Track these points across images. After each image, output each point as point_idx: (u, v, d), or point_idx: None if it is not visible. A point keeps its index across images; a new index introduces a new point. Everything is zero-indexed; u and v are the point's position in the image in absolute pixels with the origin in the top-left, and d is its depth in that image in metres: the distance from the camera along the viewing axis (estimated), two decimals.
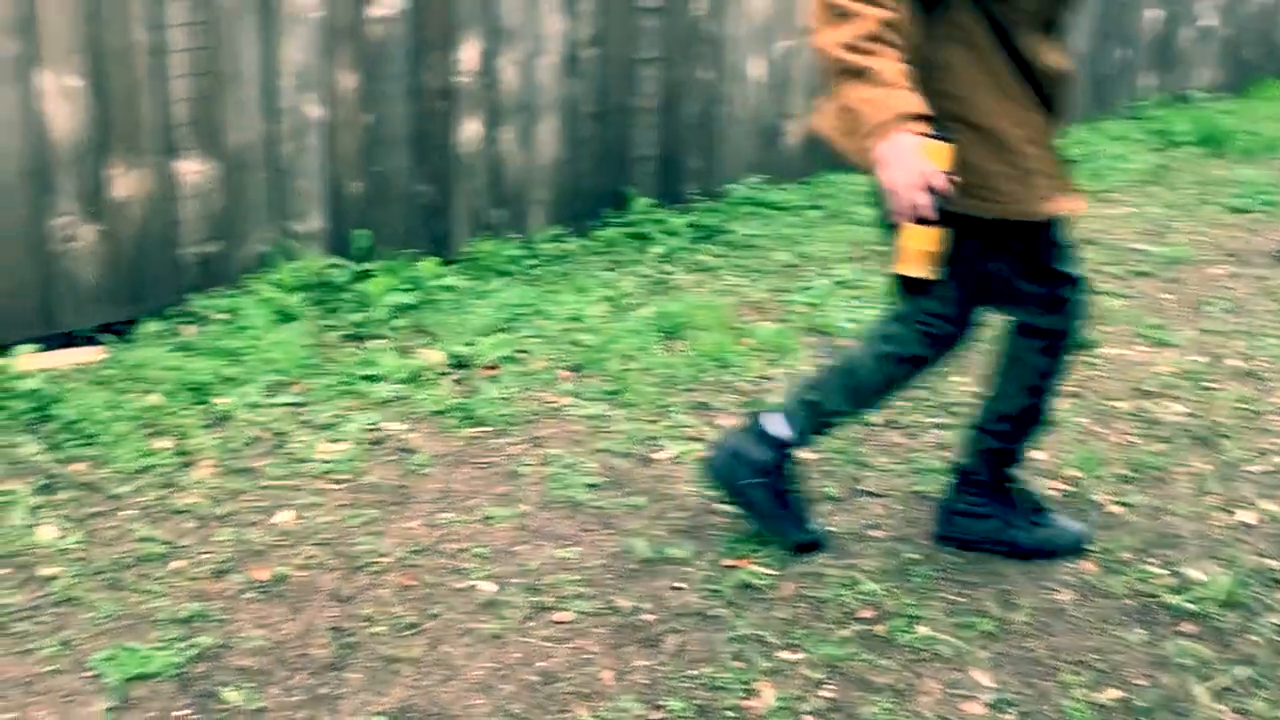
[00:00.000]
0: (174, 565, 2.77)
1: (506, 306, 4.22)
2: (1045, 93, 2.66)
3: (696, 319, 4.25)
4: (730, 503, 3.01)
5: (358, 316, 3.98)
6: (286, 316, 3.90)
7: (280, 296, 3.95)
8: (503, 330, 4.06)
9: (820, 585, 2.87)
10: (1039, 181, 2.65)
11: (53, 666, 2.43)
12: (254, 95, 3.91)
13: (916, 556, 3.00)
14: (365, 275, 4.21)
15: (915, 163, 2.31)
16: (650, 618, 2.72)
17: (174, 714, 2.33)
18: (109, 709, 2.33)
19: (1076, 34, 6.41)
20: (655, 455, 3.42)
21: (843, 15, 2.38)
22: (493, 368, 3.81)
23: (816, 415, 2.97)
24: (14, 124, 3.45)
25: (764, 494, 2.97)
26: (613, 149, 4.99)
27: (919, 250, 2.38)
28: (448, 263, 4.52)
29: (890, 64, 2.36)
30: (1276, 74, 8.38)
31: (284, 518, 2.98)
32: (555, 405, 3.64)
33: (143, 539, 2.85)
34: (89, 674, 2.41)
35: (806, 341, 4.22)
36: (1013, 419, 2.95)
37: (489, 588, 2.78)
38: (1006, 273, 2.73)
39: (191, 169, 3.83)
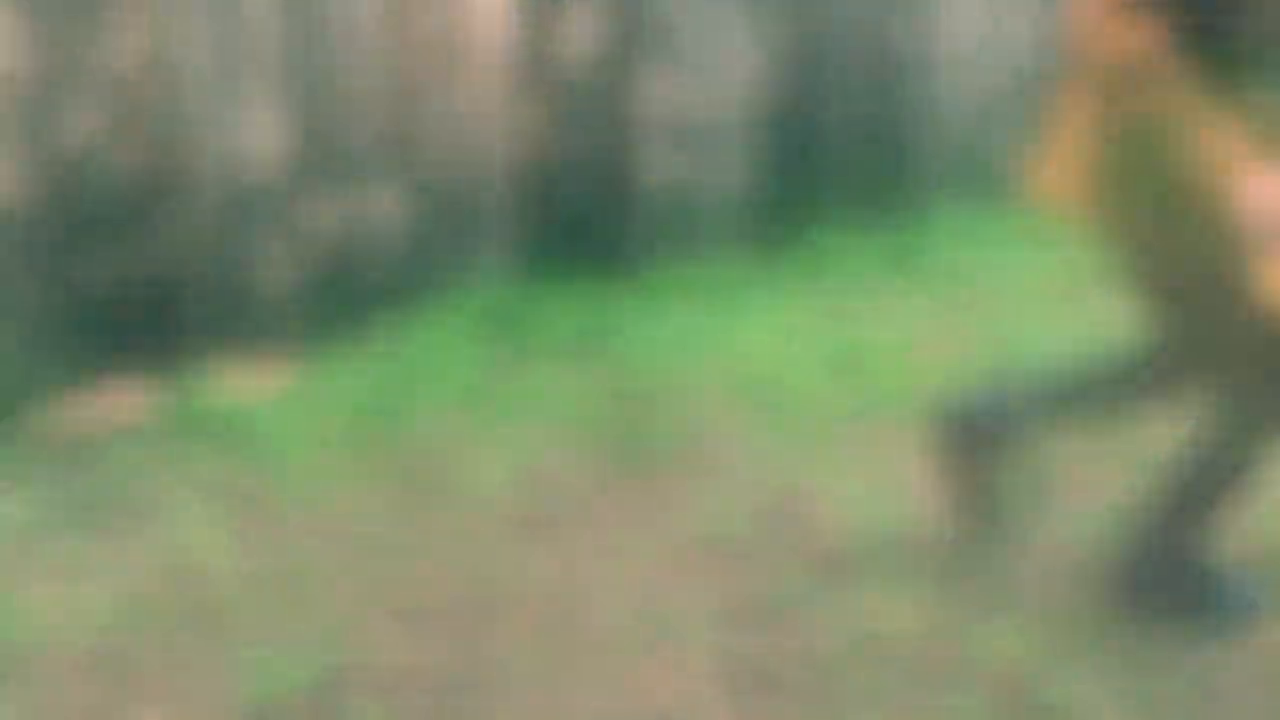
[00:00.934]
0: (333, 582, 2.85)
1: (687, 331, 4.19)
2: None
3: (873, 350, 4.14)
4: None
5: (537, 339, 4.01)
6: (469, 338, 3.97)
7: (463, 320, 4.02)
8: (681, 354, 4.03)
9: (967, 642, 2.73)
10: None
11: (202, 674, 2.54)
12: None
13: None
14: (545, 296, 4.23)
15: None
16: (784, 661, 2.64)
17: None
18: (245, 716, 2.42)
19: None
20: (806, 489, 3.32)
21: None
22: (668, 394, 3.78)
23: None
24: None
25: None
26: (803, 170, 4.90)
27: None
28: (628, 284, 4.50)
29: None
30: None
31: (443, 540, 3.03)
32: (711, 432, 3.58)
33: (309, 555, 2.94)
34: (235, 680, 2.50)
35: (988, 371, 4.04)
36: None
37: (629, 621, 2.74)
38: None
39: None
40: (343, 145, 3.81)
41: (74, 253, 3.46)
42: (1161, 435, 3.57)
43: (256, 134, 3.66)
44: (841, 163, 5.00)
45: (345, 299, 3.95)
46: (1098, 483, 3.36)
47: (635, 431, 3.54)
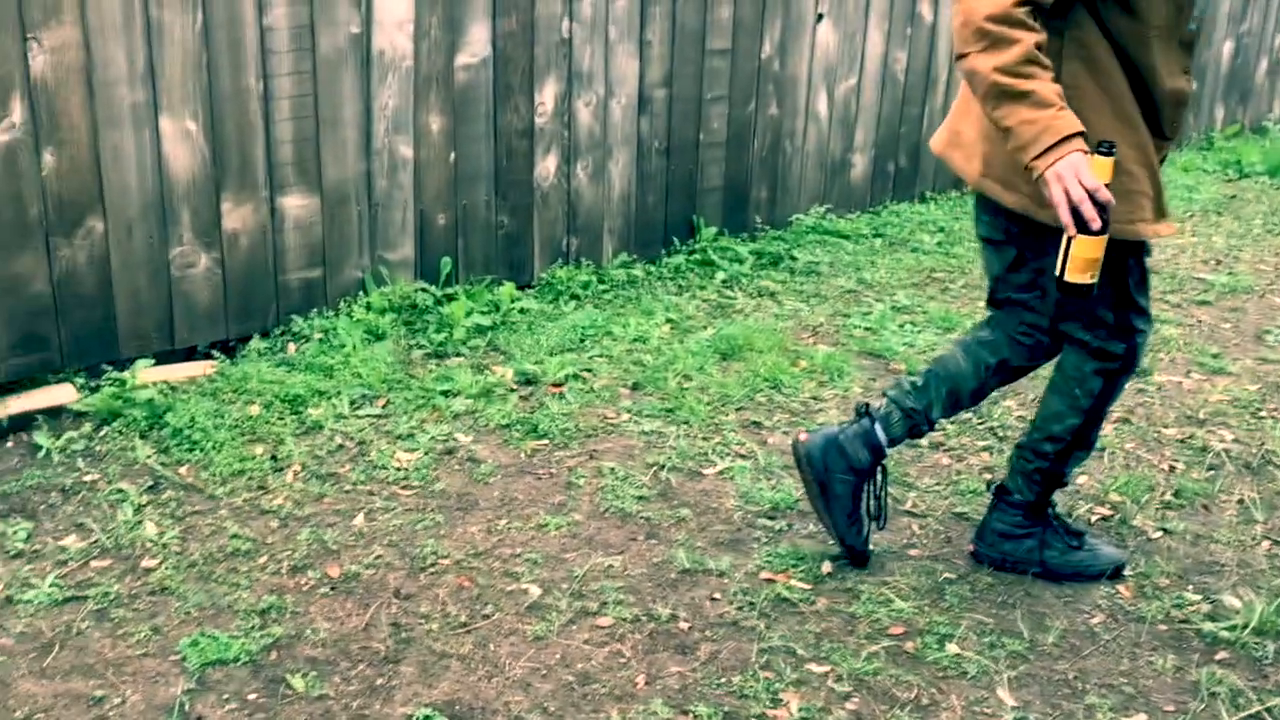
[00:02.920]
0: (258, 561, 2.93)
1: (576, 328, 4.33)
2: (1162, 115, 2.61)
3: (754, 341, 4.32)
4: (810, 487, 2.98)
5: (440, 336, 4.13)
6: (376, 336, 4.07)
7: (371, 318, 4.12)
8: (571, 350, 4.18)
9: (853, 601, 2.92)
10: (1143, 203, 2.63)
11: (143, 650, 2.59)
12: (352, 137, 4.08)
13: (951, 576, 3.04)
14: (449, 299, 4.36)
15: (1085, 178, 2.36)
16: (685, 625, 2.80)
17: (247, 697, 2.48)
18: (187, 690, 2.48)
19: None
20: (705, 470, 3.50)
21: (998, 41, 2.39)
22: (559, 385, 3.93)
23: (914, 420, 2.96)
24: (142, 164, 3.66)
25: (847, 491, 2.96)
26: (681, 182, 5.09)
27: (1086, 259, 2.42)
28: (524, 287, 4.66)
29: (1049, 85, 2.39)
30: None
31: (359, 521, 3.13)
32: (614, 421, 3.74)
33: (233, 536, 3.01)
34: (174, 658, 2.57)
35: (860, 364, 4.27)
36: (1062, 440, 2.92)
37: (537, 591, 2.89)
38: (1094, 292, 2.59)
39: (295, 203, 4.01)
40: (255, 153, 3.87)
41: (5, 253, 3.47)
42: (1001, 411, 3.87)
43: (176, 143, 3.70)
44: (717, 172, 5.20)
45: (262, 298, 4.00)
46: (958, 456, 3.62)
47: (532, 419, 3.68)
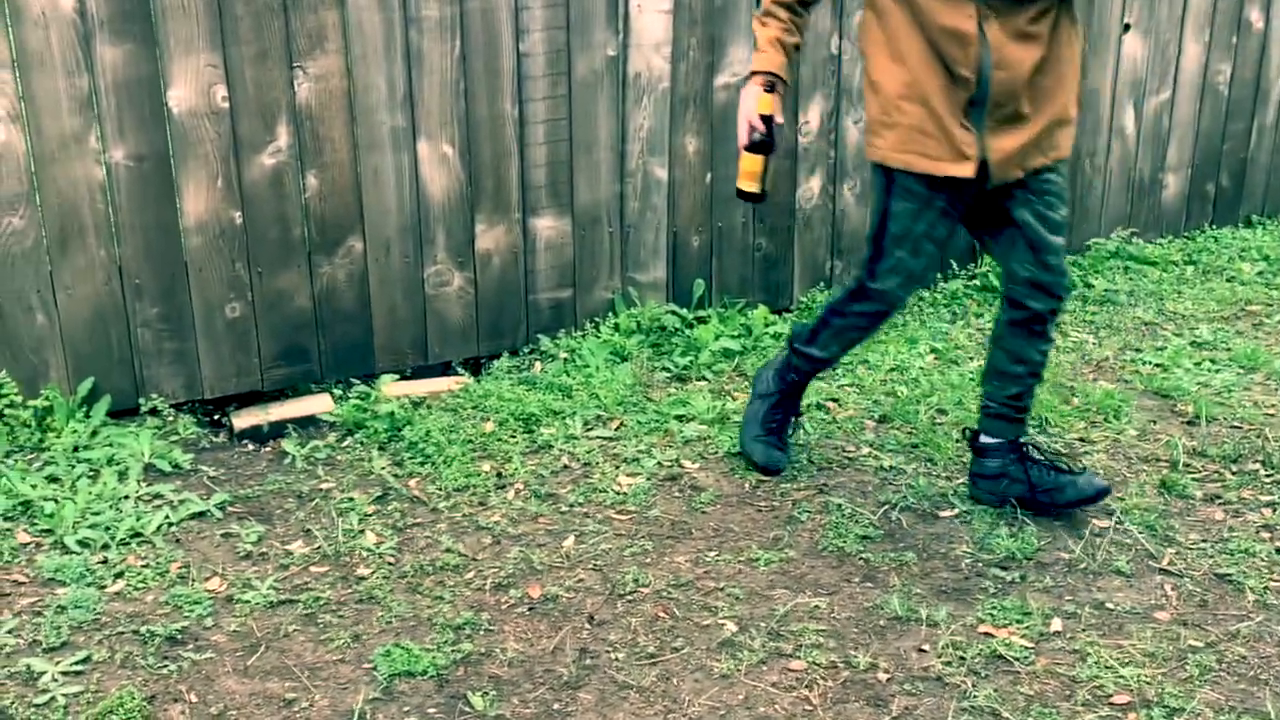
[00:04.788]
0: (465, 576, 3.00)
1: None
2: (944, 54, 2.87)
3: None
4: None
5: (684, 360, 4.11)
6: (621, 357, 4.11)
7: (618, 339, 4.16)
8: (821, 379, 4.06)
9: (1078, 663, 2.69)
10: (914, 137, 2.95)
11: (340, 656, 2.71)
12: (606, 159, 4.14)
13: (1198, 644, 2.75)
14: (699, 322, 4.35)
15: (750, 106, 3.05)
16: (884, 676, 2.65)
17: (427, 711, 2.54)
18: (371, 699, 2.57)
19: None
20: (941, 512, 3.31)
21: None
22: (799, 414, 3.82)
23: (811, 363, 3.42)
24: (400, 186, 3.86)
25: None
26: None
27: (745, 170, 3.09)
28: (781, 312, 4.58)
29: (767, 31, 3.07)
30: None
31: (568, 542, 3.15)
32: (851, 455, 3.61)
33: (446, 550, 3.10)
34: (367, 666, 2.67)
35: (1142, 404, 3.93)
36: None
37: (733, 627, 2.81)
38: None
39: (546, 225, 4.11)
40: (509, 176, 4.00)
41: (271, 270, 3.73)
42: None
43: (433, 166, 3.87)
44: None
45: (512, 317, 4.13)
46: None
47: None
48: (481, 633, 2.79)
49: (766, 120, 3.05)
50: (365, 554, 3.08)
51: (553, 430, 3.67)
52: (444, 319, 4.04)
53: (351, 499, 3.32)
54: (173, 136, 3.53)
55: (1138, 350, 4.34)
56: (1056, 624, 2.83)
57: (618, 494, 3.37)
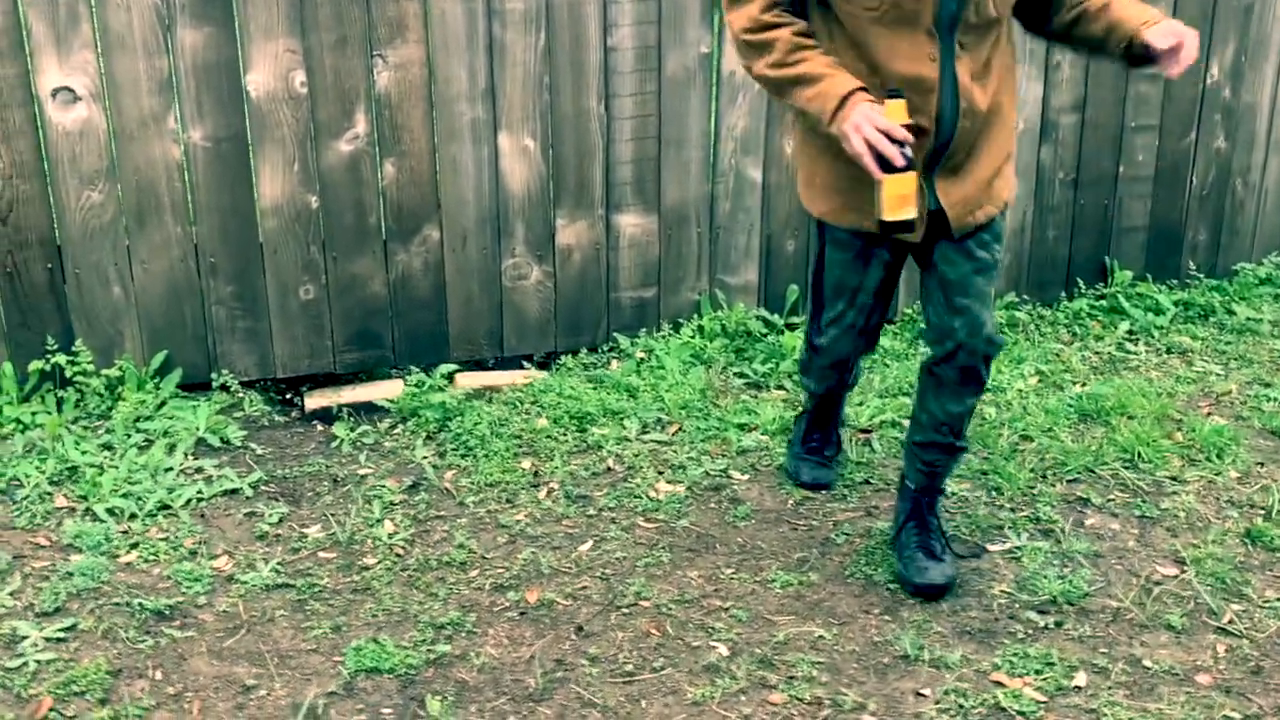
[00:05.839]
0: (468, 574, 2.87)
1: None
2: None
3: (1130, 404, 3.66)
4: None
5: (764, 367, 3.87)
6: (700, 360, 3.90)
7: (700, 342, 3.95)
8: (905, 394, 3.75)
9: None
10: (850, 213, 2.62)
11: (314, 646, 2.61)
12: (696, 157, 3.94)
13: (1234, 715, 2.39)
14: (790, 328, 4.09)
15: (878, 122, 2.38)
16: (868, 719, 2.38)
17: (381, 711, 2.41)
18: (330, 693, 2.46)
19: None
20: (991, 546, 2.99)
21: (761, 46, 2.51)
22: (867, 431, 3.53)
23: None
24: (479, 177, 3.76)
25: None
26: (1093, 218, 4.45)
27: (899, 195, 2.41)
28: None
29: (817, 60, 2.48)
30: None
31: (584, 548, 2.98)
32: None
33: (458, 546, 2.98)
34: (337, 659, 2.57)
35: (1254, 443, 3.48)
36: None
37: (724, 651, 2.59)
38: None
39: (631, 222, 3.94)
40: (592, 172, 3.84)
41: (345, 255, 3.69)
42: None
43: (513, 159, 3.76)
44: (1140, 209, 4.49)
45: (592, 314, 3.98)
46: None
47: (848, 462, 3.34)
48: (463, 634, 2.65)
49: (912, 130, 2.43)
50: (375, 544, 2.99)
51: (605, 431, 3.50)
52: (521, 312, 3.92)
53: (384, 486, 3.23)
54: (250, 120, 3.53)
55: (1266, 385, 3.86)
56: (1080, 678, 2.49)
57: (652, 501, 3.18)
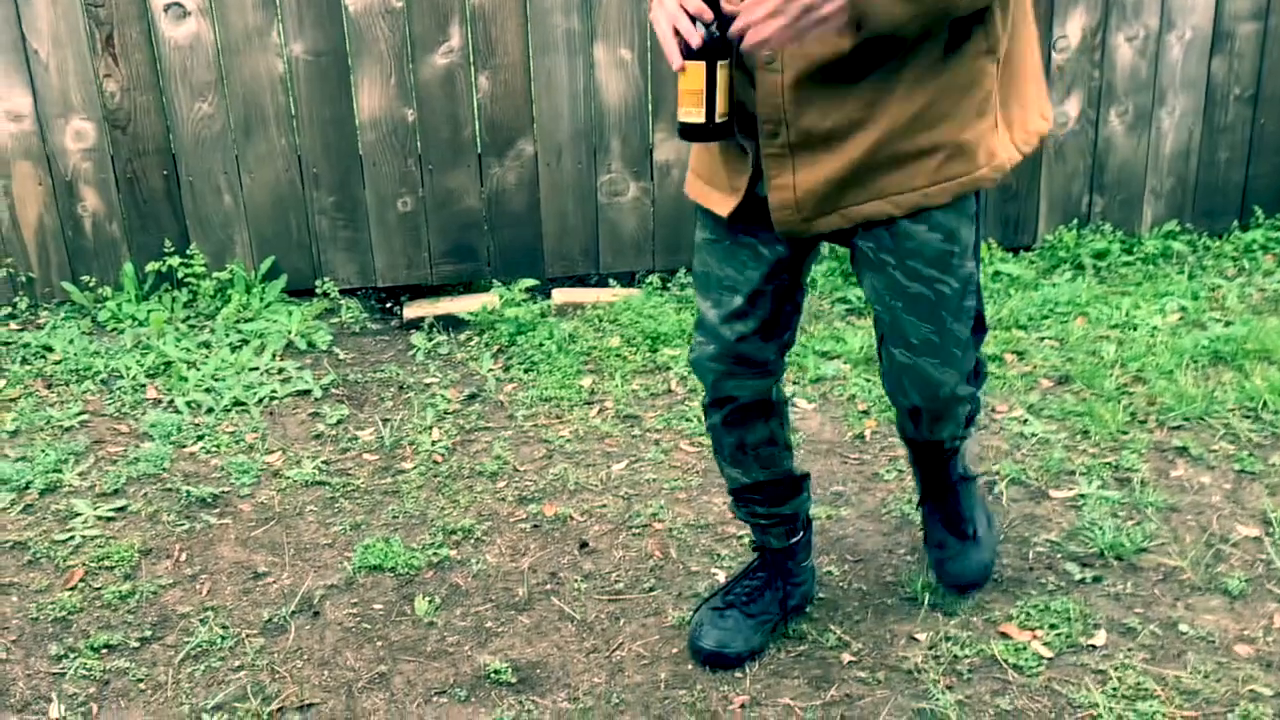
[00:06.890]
0: (496, 485, 2.89)
1: (1048, 303, 3.64)
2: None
3: (1274, 349, 3.31)
4: None
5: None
6: None
7: None
8: (1020, 327, 3.53)
9: (1088, 687, 2.18)
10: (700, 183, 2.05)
11: (330, 541, 2.69)
12: None
13: (1265, 691, 2.13)
14: None
15: None
16: (847, 658, 2.27)
17: (373, 605, 2.47)
18: (329, 585, 2.53)
19: None
20: (1054, 492, 2.78)
21: None
22: None
23: None
24: (574, 91, 3.72)
25: None
26: (1272, 139, 4.01)
27: (687, 90, 1.82)
28: (1019, 250, 4.01)
29: None
30: None
31: (618, 467, 2.95)
32: (994, 415, 3.10)
33: (495, 457, 3.00)
34: (348, 555, 2.64)
35: None
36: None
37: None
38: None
39: None
40: None
41: (441, 168, 3.75)
42: None
43: (609, 71, 3.71)
44: None
45: (691, 233, 3.89)
46: None
47: None
48: (471, 541, 2.67)
49: (713, 5, 1.78)
50: (417, 450, 3.04)
51: (676, 352, 3.44)
52: (617, 229, 3.88)
53: (443, 396, 3.29)
54: (349, 34, 3.61)
55: None
56: (1099, 637, 2.29)
57: (700, 423, 3.11)
